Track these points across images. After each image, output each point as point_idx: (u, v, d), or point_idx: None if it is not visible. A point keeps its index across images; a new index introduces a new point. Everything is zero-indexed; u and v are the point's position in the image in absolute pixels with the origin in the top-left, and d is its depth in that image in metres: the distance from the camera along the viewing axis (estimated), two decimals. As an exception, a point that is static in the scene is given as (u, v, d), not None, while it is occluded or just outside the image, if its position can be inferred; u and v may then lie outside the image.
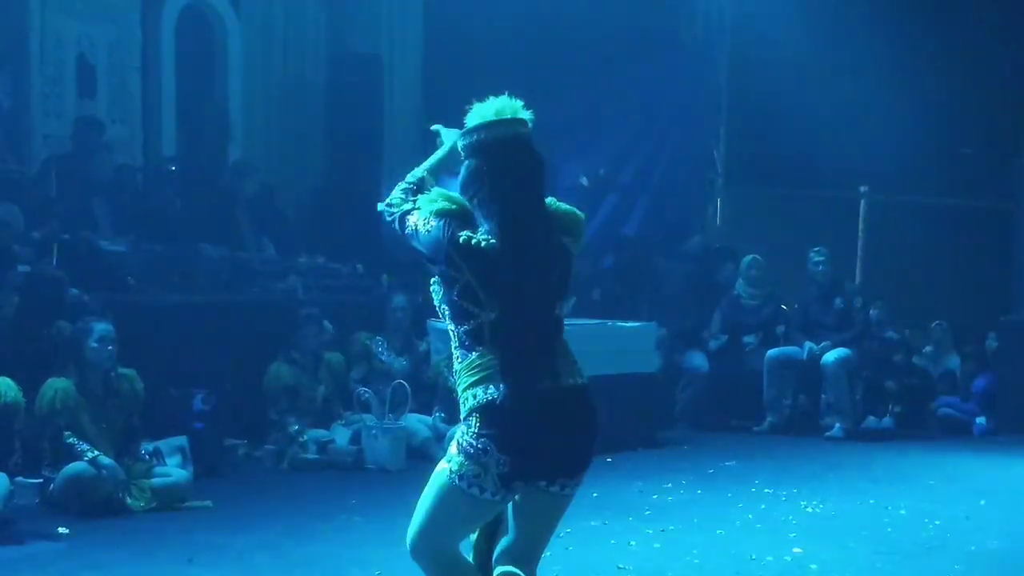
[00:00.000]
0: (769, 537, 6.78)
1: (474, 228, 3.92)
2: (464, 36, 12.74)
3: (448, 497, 3.92)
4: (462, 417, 3.95)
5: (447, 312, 3.95)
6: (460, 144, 4.13)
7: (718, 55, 14.88)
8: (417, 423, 9.07)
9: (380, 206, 4.17)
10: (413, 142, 12.83)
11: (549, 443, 3.87)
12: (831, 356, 10.90)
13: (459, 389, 3.98)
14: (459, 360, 3.97)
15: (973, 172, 13.59)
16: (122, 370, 7.23)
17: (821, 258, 11.24)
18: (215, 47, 11.77)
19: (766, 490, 8.12)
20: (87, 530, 6.46)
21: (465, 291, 3.85)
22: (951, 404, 12.09)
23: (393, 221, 4.12)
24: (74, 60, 10.69)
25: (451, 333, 3.98)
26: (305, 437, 8.64)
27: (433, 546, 4.08)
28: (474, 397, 3.88)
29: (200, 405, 8.25)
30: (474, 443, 3.84)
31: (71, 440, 6.89)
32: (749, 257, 11.72)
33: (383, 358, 9.37)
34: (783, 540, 6.67)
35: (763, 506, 7.68)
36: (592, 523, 6.95)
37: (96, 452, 6.85)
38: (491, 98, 4.20)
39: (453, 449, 3.90)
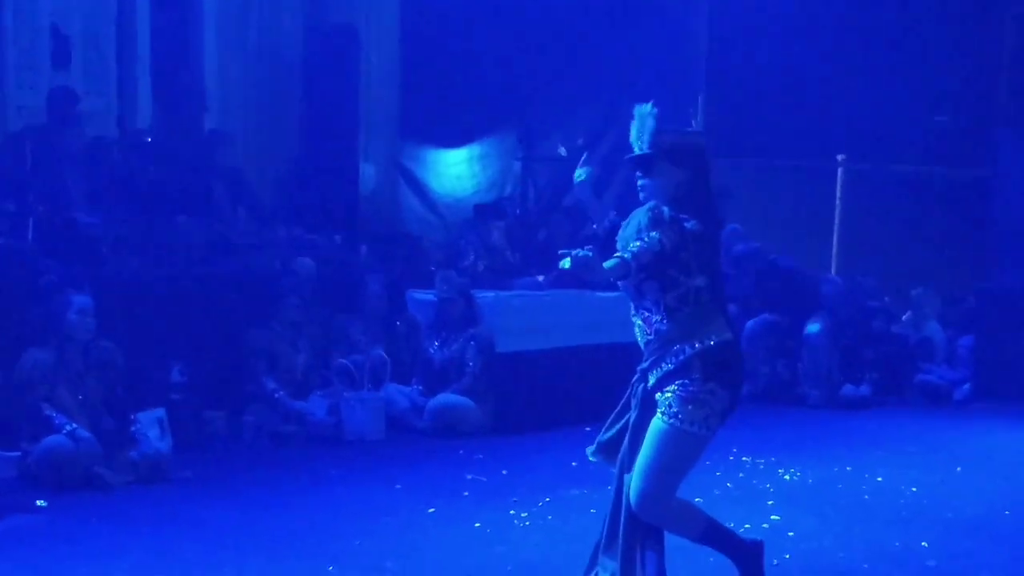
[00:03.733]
0: (747, 505, 6.80)
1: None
2: (441, 7, 12.68)
3: (679, 447, 4.59)
4: (669, 371, 4.60)
5: (654, 286, 4.61)
6: (660, 150, 4.72)
7: (696, 25, 14.84)
8: (396, 394, 9.06)
9: (626, 264, 4.53)
10: (390, 112, 12.79)
11: (743, 380, 4.80)
12: (815, 326, 10.95)
13: (667, 346, 4.63)
14: (662, 320, 4.66)
15: (950, 140, 13.59)
16: (100, 342, 7.19)
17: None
18: (190, 18, 11.66)
19: (744, 458, 8.15)
20: (65, 503, 6.44)
21: (683, 265, 4.59)
22: (930, 371, 12.19)
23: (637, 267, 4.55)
24: (48, 30, 10.59)
25: (652, 303, 4.65)
26: (282, 400, 8.60)
27: (668, 497, 4.66)
28: (692, 347, 4.60)
29: (178, 377, 8.22)
30: (701, 388, 4.58)
31: (49, 413, 6.85)
32: (729, 227, 11.73)
33: (360, 343, 9.33)
34: (761, 508, 6.70)
35: (741, 474, 7.71)
36: (573, 492, 6.97)
37: (74, 425, 6.83)
38: (653, 107, 4.79)
39: (668, 406, 4.56)
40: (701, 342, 4.61)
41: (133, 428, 7.27)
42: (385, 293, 9.55)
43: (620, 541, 4.77)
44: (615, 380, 10.14)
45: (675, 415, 4.58)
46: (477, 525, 6.13)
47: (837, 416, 10.46)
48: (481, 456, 8.07)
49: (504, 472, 7.55)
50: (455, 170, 13.81)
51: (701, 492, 7.08)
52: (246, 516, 6.26)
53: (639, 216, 4.68)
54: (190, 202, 10.01)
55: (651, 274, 4.57)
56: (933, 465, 8.31)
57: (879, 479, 7.66)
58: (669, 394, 4.61)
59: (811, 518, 6.50)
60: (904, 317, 12.29)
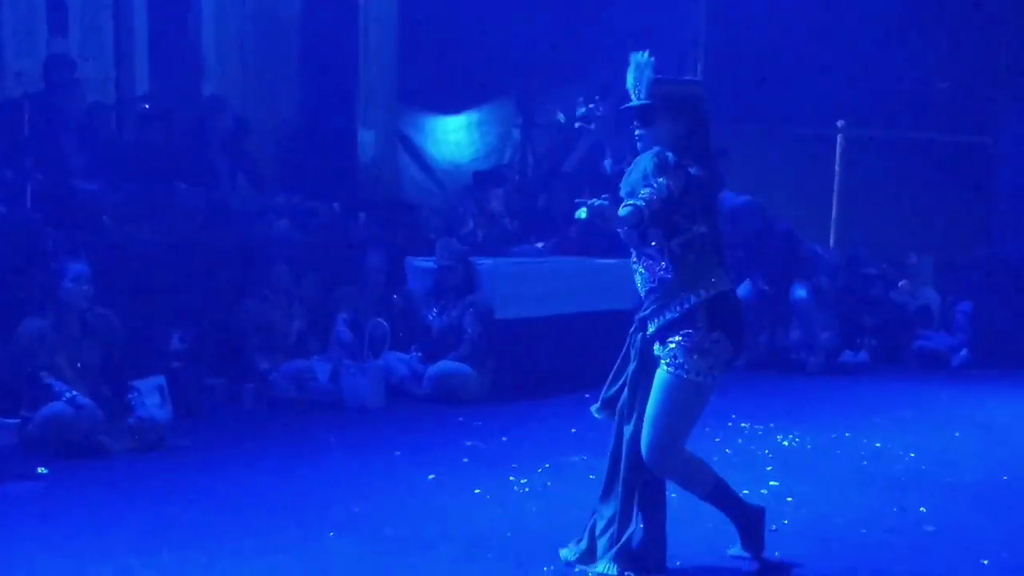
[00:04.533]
0: (746, 471, 6.82)
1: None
2: (440, -30, 12.62)
3: (686, 397, 4.67)
4: (672, 320, 4.65)
5: (659, 232, 4.62)
6: (658, 100, 4.76)
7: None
8: (396, 361, 9.08)
9: (627, 218, 4.57)
10: (388, 77, 12.74)
11: (745, 329, 4.84)
12: (801, 291, 10.95)
13: (670, 295, 4.66)
14: (667, 268, 4.67)
15: (950, 107, 13.58)
16: (98, 310, 7.19)
17: None
18: (187, -18, 11.63)
19: (743, 424, 8.18)
20: (65, 470, 6.46)
21: (688, 210, 4.62)
22: (928, 337, 12.22)
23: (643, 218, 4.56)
24: (45, -3, 10.55)
25: (657, 250, 4.66)
26: (274, 373, 8.62)
27: (678, 449, 4.74)
28: (696, 296, 4.64)
29: (178, 344, 8.23)
30: (706, 338, 4.63)
31: (48, 380, 6.86)
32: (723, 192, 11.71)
33: (358, 316, 9.33)
34: (760, 474, 6.73)
35: (740, 440, 7.73)
36: (572, 459, 6.99)
37: (74, 392, 6.83)
38: (649, 56, 4.87)
39: (673, 357, 4.63)
40: (706, 290, 4.66)
41: (131, 396, 7.28)
42: (383, 260, 9.55)
43: (619, 489, 4.82)
44: (613, 347, 10.22)
45: (680, 365, 4.65)
46: (477, 491, 6.15)
47: (836, 382, 10.49)
48: (480, 423, 8.09)
49: (503, 439, 7.58)
50: (454, 137, 13.78)
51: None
52: (246, 483, 6.28)
53: (644, 162, 4.67)
54: (189, 169, 9.99)
55: (658, 220, 4.59)
56: (931, 431, 8.33)
57: (877, 445, 7.68)
58: (673, 345, 4.67)
59: (809, 484, 6.53)
60: (901, 284, 12.31)
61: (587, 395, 9.19)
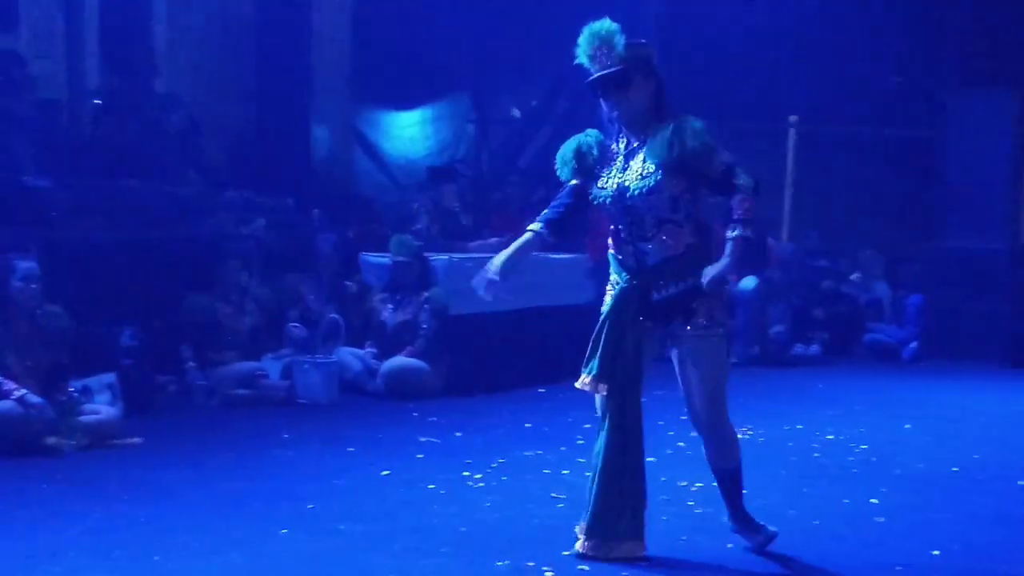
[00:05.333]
0: (699, 464, 6.82)
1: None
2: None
3: (724, 352, 4.97)
4: (693, 285, 4.83)
5: (689, 197, 4.85)
6: (633, 63, 4.85)
7: (649, -15, 14.81)
8: (349, 357, 9.06)
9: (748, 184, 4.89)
10: (342, 72, 12.69)
11: None
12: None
13: (695, 260, 4.86)
14: (694, 233, 4.87)
15: (901, 102, 13.70)
16: (48, 307, 7.13)
17: None
18: (138, -23, 11.54)
19: (697, 418, 8.20)
20: (16, 469, 6.40)
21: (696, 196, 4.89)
22: (878, 330, 12.34)
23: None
24: (-7, -7, 10.44)
25: (685, 216, 4.85)
26: (201, 381, 8.54)
27: (726, 406, 5.02)
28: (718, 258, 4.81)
29: (129, 341, 8.17)
30: (728, 303, 4.99)
31: (-3, 379, 6.79)
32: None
33: (311, 305, 9.31)
34: (713, 467, 6.75)
35: (693, 433, 7.70)
36: (526, 453, 7.01)
37: (23, 391, 6.77)
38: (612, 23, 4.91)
39: (709, 318, 4.86)
40: (719, 254, 4.83)
41: (83, 393, 7.22)
42: (337, 256, 9.53)
43: (631, 462, 4.98)
44: (568, 342, 10.27)
45: (715, 324, 4.89)
46: (431, 487, 6.15)
47: (787, 375, 10.56)
48: (435, 418, 8.09)
49: (458, 434, 7.58)
50: (408, 132, 13.76)
51: (654, 451, 7.11)
52: (198, 480, 6.25)
53: (670, 132, 4.80)
54: (141, 165, 9.92)
55: (693, 185, 4.82)
56: (882, 422, 8.42)
57: (829, 437, 7.75)
58: (705, 306, 4.86)
59: (762, 475, 6.55)
60: (852, 277, 12.41)
61: (542, 390, 9.25)
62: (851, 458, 7.16)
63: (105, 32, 11.12)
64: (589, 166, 5.02)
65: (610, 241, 5.06)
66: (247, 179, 10.88)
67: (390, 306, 9.26)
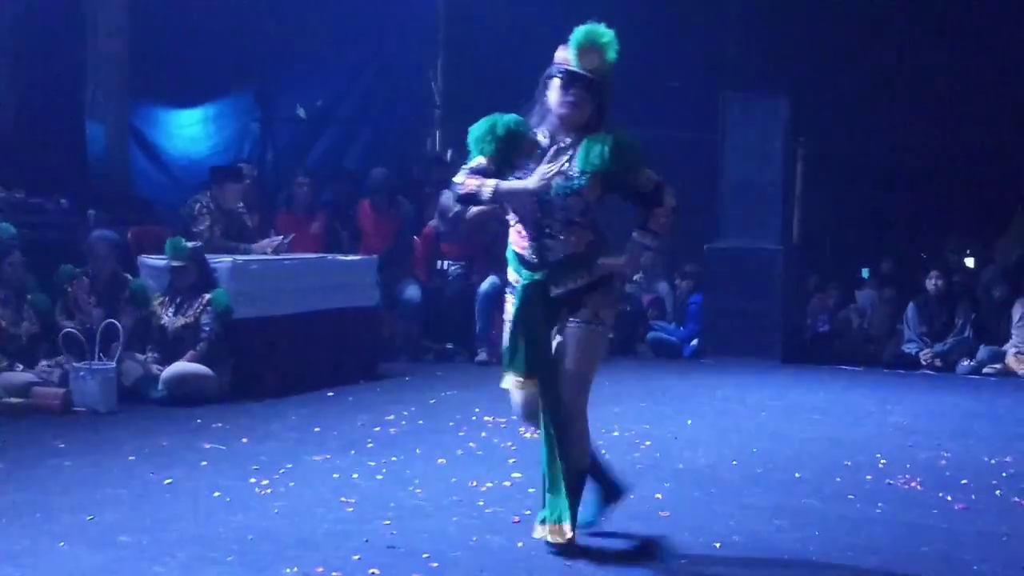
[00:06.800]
0: (489, 464, 6.89)
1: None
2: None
3: (603, 348, 5.18)
4: (593, 281, 5.09)
5: (591, 214, 5.16)
6: (607, 76, 5.31)
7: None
8: (129, 363, 8.77)
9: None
10: (119, 69, 12.26)
11: None
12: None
13: (594, 258, 5.12)
14: (594, 233, 5.16)
15: (681, 105, 14.05)
16: None
17: None
18: None
19: (486, 418, 8.25)
20: None
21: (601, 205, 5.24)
22: (661, 328, 12.65)
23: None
24: None
25: (591, 220, 5.16)
26: None
27: (587, 401, 5.16)
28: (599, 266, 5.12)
29: None
30: (618, 292, 5.29)
31: None
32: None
33: (87, 310, 8.97)
34: (503, 466, 6.80)
35: (483, 434, 7.80)
36: (315, 458, 6.90)
37: None
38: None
39: (595, 314, 5.07)
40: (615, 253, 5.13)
41: None
42: (114, 257, 9.21)
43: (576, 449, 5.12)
44: (355, 344, 10.20)
45: (602, 322, 5.10)
46: (216, 494, 5.99)
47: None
48: (220, 424, 7.90)
49: (244, 440, 7.41)
50: (189, 131, 13.41)
51: (444, 453, 7.15)
52: (-32, 494, 5.94)
53: (604, 142, 5.10)
54: None
55: (607, 195, 5.15)
56: (666, 419, 8.61)
57: (614, 434, 7.88)
58: (595, 302, 5.08)
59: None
60: (636, 277, 12.67)
61: (330, 393, 9.14)
62: (636, 454, 7.30)
63: None
64: (516, 151, 5.12)
65: (511, 238, 5.19)
66: (15, 178, 10.35)
67: (170, 310, 9.01)
